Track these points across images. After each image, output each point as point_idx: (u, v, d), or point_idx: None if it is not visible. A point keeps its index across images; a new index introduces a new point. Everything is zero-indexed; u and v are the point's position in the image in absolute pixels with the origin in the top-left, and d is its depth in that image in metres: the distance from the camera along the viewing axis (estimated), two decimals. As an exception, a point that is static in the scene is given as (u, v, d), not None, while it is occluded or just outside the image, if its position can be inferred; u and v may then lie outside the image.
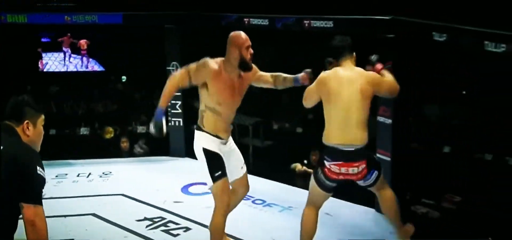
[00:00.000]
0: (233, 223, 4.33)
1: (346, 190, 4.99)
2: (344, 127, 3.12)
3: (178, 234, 4.18)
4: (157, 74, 6.45)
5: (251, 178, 5.56)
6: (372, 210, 4.63)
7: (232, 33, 3.30)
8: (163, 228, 4.29)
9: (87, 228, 4.27)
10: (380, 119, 4.50)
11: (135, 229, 4.24)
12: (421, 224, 3.44)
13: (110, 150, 6.47)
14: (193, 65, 3.29)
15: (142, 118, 7.02)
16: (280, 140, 6.33)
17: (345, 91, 3.12)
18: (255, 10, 5.51)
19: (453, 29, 3.60)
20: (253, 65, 3.40)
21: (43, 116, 2.39)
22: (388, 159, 4.44)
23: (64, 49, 6.88)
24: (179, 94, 6.15)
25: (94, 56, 7.04)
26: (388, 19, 4.30)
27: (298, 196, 4.93)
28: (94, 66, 7.02)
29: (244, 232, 4.19)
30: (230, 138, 3.50)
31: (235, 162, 3.50)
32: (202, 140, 3.30)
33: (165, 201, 4.82)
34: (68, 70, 6.96)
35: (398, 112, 4.38)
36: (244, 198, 4.91)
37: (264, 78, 3.54)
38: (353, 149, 3.13)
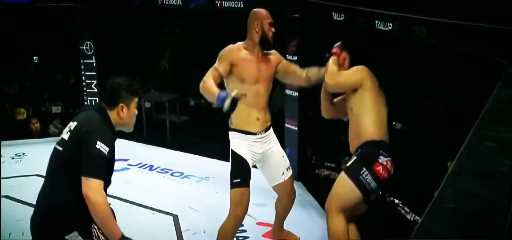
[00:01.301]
0: (154, 195, 4.33)
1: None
2: (385, 122, 2.82)
3: (97, 210, 4.05)
4: (71, 54, 6.13)
5: (170, 153, 5.61)
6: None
7: (255, 9, 3.02)
8: (81, 205, 4.13)
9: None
10: (288, 92, 4.66)
11: (52, 208, 4.04)
12: (326, 185, 3.63)
13: (23, 131, 6.03)
14: (216, 64, 2.93)
15: (57, 98, 6.62)
16: (196, 116, 6.32)
17: (379, 88, 2.85)
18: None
19: (349, 9, 3.79)
20: (277, 53, 3.10)
21: (137, 98, 2.34)
22: (295, 128, 4.63)
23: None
24: (94, 73, 5.90)
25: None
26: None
27: (213, 166, 5.00)
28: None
29: (163, 203, 4.16)
30: (272, 136, 3.10)
31: (274, 166, 3.12)
32: (231, 141, 2.98)
33: (83, 179, 4.63)
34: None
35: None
36: (163, 171, 4.94)
37: (292, 69, 3.12)
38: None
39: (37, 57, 7.19)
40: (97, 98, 5.96)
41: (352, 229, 2.96)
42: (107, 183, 2.22)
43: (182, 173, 4.88)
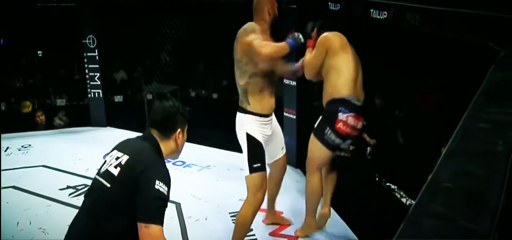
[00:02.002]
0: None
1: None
2: (354, 81, 2.96)
3: (102, 199, 4.04)
4: (74, 47, 6.09)
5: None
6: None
7: None
8: (86, 194, 4.13)
9: (8, 200, 3.98)
10: (286, 81, 4.64)
11: (58, 198, 4.04)
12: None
13: (28, 124, 6.02)
14: (251, 36, 2.74)
15: (61, 91, 6.60)
16: (197, 106, 6.30)
17: (350, 50, 3.01)
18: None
19: (345, -1, 3.76)
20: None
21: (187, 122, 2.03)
22: (294, 117, 4.61)
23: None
24: (97, 66, 5.87)
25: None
26: (290, -9, 4.40)
27: (214, 155, 5.00)
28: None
29: (166, 192, 4.16)
30: (274, 117, 3.06)
31: (276, 142, 3.10)
32: (246, 124, 2.82)
33: (88, 169, 4.62)
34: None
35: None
36: (165, 161, 4.93)
37: None
38: (360, 104, 2.98)
39: (41, 52, 7.16)
40: (100, 91, 5.94)
41: (333, 177, 3.26)
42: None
43: (184, 162, 4.87)
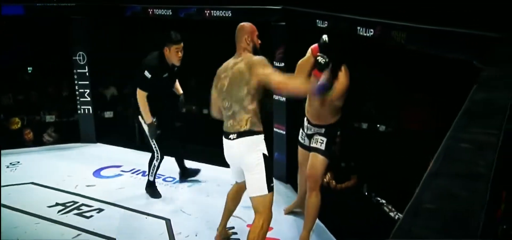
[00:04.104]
0: (146, 200, 4.30)
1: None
2: None
3: (91, 216, 4.00)
4: (63, 64, 6.06)
5: (164, 159, 5.54)
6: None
7: (241, 24, 3.00)
8: (76, 211, 4.08)
9: (-4, 218, 3.92)
10: (276, 97, 4.66)
11: (47, 215, 3.99)
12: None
13: (18, 141, 5.94)
14: (268, 69, 2.84)
15: (50, 108, 6.53)
16: (188, 122, 6.28)
17: None
18: (158, 0, 5.37)
19: (332, 16, 3.80)
20: None
21: (177, 45, 3.96)
22: (283, 132, 4.62)
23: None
24: (87, 82, 5.85)
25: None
26: (279, 8, 4.44)
27: (204, 171, 4.97)
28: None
29: (156, 208, 4.13)
30: None
31: None
32: (261, 146, 2.83)
33: (77, 186, 4.58)
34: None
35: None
36: (156, 177, 4.90)
37: None
38: None
39: (31, 68, 7.10)
40: (90, 107, 5.91)
41: None
42: (153, 91, 3.96)
43: (174, 178, 4.85)
